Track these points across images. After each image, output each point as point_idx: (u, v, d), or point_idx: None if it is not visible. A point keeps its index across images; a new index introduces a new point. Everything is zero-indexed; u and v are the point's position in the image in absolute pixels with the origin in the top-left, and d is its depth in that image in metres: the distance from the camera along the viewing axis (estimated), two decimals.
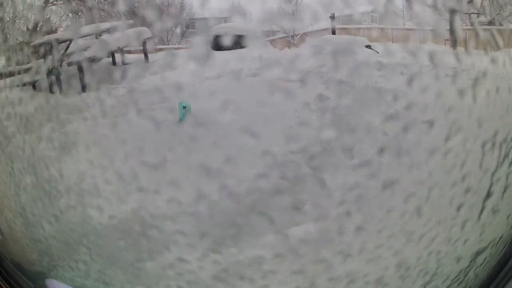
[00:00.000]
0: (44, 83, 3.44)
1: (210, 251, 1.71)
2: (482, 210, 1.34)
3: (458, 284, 1.23)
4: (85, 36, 3.92)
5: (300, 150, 2.12)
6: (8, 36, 3.31)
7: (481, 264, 1.20)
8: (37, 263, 1.44)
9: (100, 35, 3.90)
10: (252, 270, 1.69)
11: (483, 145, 1.65)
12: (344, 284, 1.44)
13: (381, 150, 2.11)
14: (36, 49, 3.43)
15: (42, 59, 3.48)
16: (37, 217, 1.60)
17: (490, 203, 1.35)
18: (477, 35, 3.90)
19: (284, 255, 1.68)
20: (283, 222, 1.80)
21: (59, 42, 3.56)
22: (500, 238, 1.22)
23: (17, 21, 3.30)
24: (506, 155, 1.50)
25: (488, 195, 1.36)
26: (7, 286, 1.20)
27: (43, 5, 3.45)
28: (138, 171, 2.04)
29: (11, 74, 3.39)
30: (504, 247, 1.19)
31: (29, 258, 1.44)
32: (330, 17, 4.19)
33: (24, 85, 3.41)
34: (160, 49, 4.96)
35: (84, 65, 3.71)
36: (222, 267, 1.67)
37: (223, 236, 1.77)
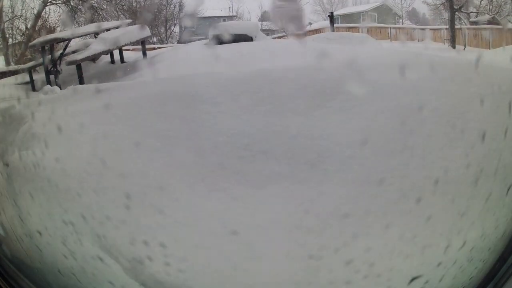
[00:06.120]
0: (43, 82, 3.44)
1: None
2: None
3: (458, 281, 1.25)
4: (84, 35, 3.92)
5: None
6: (7, 36, 3.31)
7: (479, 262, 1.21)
8: (38, 261, 1.44)
9: (99, 34, 3.90)
10: None
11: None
12: None
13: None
14: (35, 49, 3.43)
15: (41, 59, 3.48)
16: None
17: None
18: (476, 34, 3.91)
19: None
20: None
21: (58, 41, 3.56)
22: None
23: (16, 20, 3.29)
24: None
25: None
26: (7, 286, 1.20)
27: (42, 4, 3.44)
28: None
29: (11, 73, 3.39)
30: (503, 246, 1.20)
31: (30, 256, 1.44)
32: (329, 16, 4.19)
33: (23, 84, 3.41)
34: (159, 48, 4.96)
35: (83, 64, 3.71)
36: None
37: None
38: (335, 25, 4.37)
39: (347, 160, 2.06)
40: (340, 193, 1.85)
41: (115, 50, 4.13)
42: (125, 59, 4.44)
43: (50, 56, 3.55)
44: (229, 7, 4.24)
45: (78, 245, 1.48)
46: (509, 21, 3.80)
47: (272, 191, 1.94)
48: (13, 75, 3.37)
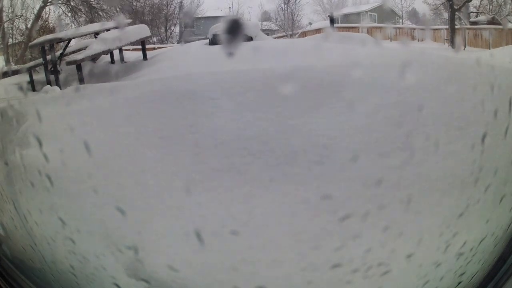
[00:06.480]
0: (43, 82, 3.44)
1: None
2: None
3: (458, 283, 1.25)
4: (84, 35, 3.92)
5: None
6: (8, 36, 3.30)
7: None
8: (38, 260, 1.44)
9: (99, 34, 3.90)
10: None
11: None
12: None
13: None
14: (34, 49, 3.43)
15: (41, 59, 3.48)
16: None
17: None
18: (476, 34, 3.91)
19: None
20: None
21: (58, 41, 3.55)
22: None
23: (16, 20, 3.29)
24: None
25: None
26: (7, 286, 1.20)
27: (42, 4, 3.44)
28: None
29: (11, 73, 3.38)
30: (503, 246, 1.20)
31: (30, 256, 1.44)
32: (329, 16, 4.19)
33: (23, 84, 3.41)
34: (159, 48, 4.96)
35: (83, 64, 3.71)
36: None
37: None
38: (335, 25, 4.36)
39: (349, 160, 2.07)
40: (340, 193, 1.86)
41: (115, 50, 4.13)
42: (125, 59, 4.44)
43: (50, 56, 3.55)
44: (229, 7, 4.23)
45: (78, 245, 1.48)
46: (509, 21, 3.80)
47: (273, 191, 1.95)
48: (13, 75, 3.37)
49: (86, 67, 3.72)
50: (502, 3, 3.90)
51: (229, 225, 1.67)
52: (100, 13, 4.08)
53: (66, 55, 3.61)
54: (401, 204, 1.65)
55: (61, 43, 3.56)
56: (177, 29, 4.47)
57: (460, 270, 1.18)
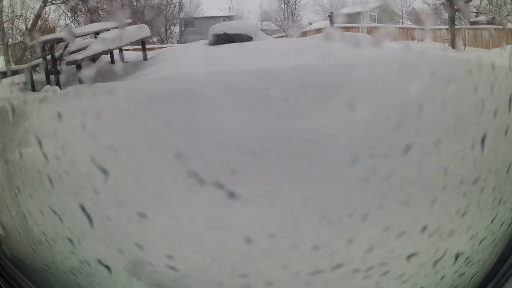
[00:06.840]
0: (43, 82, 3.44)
1: None
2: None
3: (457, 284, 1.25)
4: (84, 35, 3.92)
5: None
6: (8, 36, 3.30)
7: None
8: (38, 260, 1.44)
9: (99, 34, 3.90)
10: None
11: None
12: None
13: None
14: (35, 49, 3.43)
15: (41, 59, 3.48)
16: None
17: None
18: (476, 34, 3.91)
19: None
20: None
21: (58, 41, 3.55)
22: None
23: (16, 20, 3.29)
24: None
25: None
26: (7, 286, 1.20)
27: (42, 4, 3.44)
28: None
29: (11, 73, 3.38)
30: (503, 246, 1.20)
31: (30, 256, 1.44)
32: (329, 16, 4.19)
33: (23, 84, 3.41)
34: (159, 48, 4.96)
35: (83, 64, 3.71)
36: None
37: None
38: (335, 25, 4.36)
39: (349, 159, 2.07)
40: (340, 193, 1.86)
41: (115, 50, 4.13)
42: (125, 59, 4.44)
43: (50, 56, 3.54)
44: (229, 7, 4.23)
45: (78, 245, 1.48)
46: (509, 21, 3.80)
47: (274, 191, 1.95)
48: (13, 75, 3.38)
49: (86, 67, 3.72)
50: (502, 3, 3.90)
51: (229, 225, 1.67)
52: (100, 12, 4.08)
53: (66, 55, 3.61)
54: (401, 204, 1.65)
55: (61, 43, 3.56)
56: (177, 29, 4.46)
57: (460, 271, 1.18)
